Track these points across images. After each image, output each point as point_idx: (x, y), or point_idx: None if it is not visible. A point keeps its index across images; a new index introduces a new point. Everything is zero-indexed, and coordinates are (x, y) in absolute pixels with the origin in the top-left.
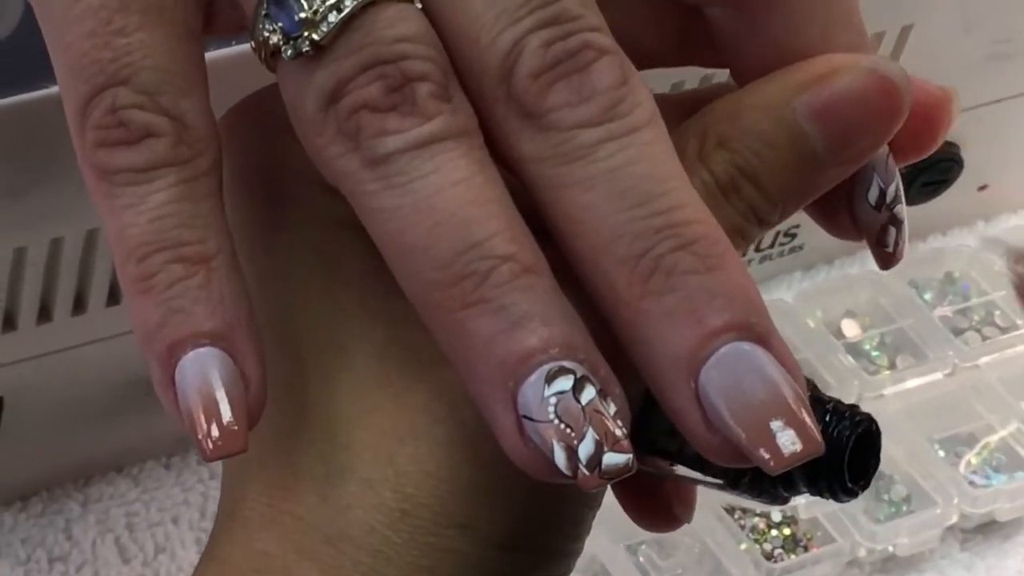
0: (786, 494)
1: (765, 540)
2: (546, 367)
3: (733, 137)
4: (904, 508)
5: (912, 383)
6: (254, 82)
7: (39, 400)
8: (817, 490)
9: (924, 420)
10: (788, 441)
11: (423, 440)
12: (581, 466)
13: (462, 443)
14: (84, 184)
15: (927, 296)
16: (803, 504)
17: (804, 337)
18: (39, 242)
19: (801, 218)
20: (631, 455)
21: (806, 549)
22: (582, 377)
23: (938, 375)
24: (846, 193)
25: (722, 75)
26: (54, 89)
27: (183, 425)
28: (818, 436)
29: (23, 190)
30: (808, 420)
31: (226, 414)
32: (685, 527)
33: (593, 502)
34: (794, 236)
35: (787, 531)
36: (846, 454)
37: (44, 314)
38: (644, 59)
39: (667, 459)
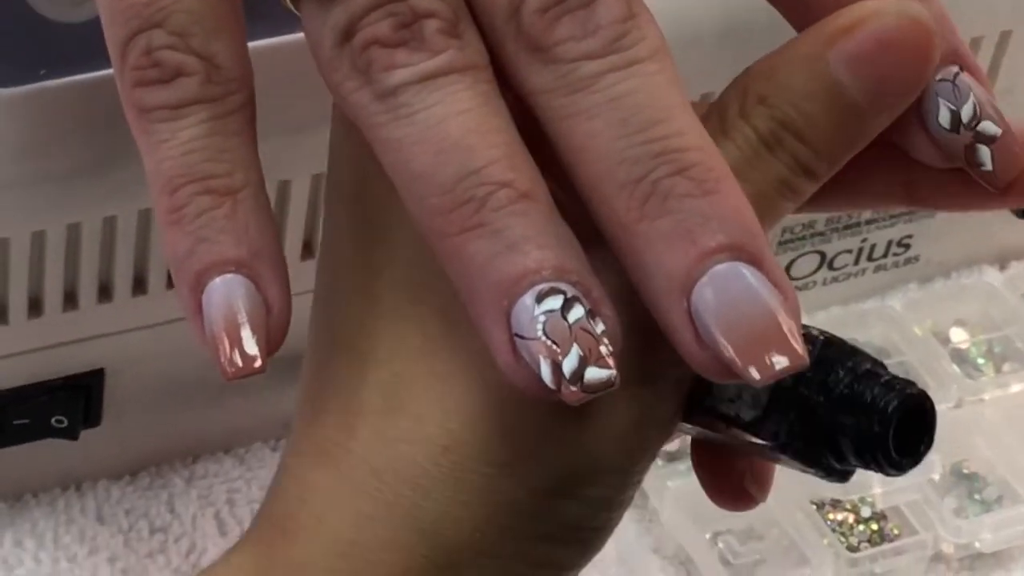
0: (836, 464)
1: (852, 534)
2: (538, 287)
3: (771, 93)
4: (996, 508)
5: (1015, 388)
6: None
7: (141, 374)
8: (863, 461)
9: (1023, 424)
10: (774, 356)
11: (471, 383)
12: (564, 380)
13: (508, 389)
14: None
15: None
16: (881, 494)
17: (909, 343)
18: (129, 212)
19: (915, 228)
20: (614, 371)
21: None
22: (572, 297)
23: None
24: (919, 119)
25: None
26: None
27: (206, 348)
28: (803, 352)
29: (112, 162)
30: (794, 337)
31: (247, 337)
32: (771, 519)
33: (638, 458)
34: (908, 247)
35: (874, 526)
36: (891, 425)
37: (139, 286)
38: None
39: (725, 423)
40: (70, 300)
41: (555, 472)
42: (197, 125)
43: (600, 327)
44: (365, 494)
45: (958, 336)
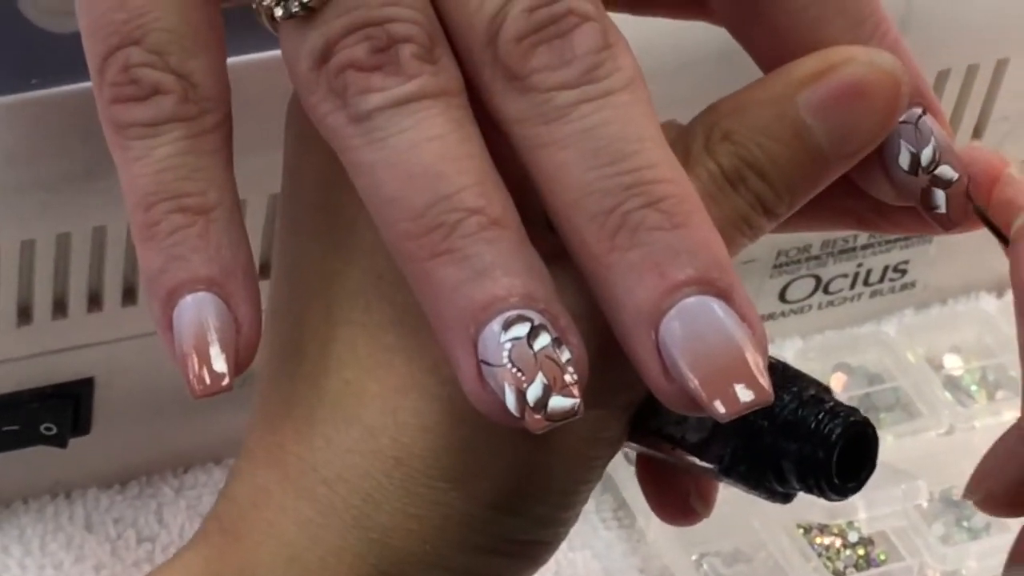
0: (779, 487)
1: (838, 559)
2: (505, 314)
3: (738, 131)
4: (984, 536)
5: (1007, 416)
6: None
7: (130, 383)
8: (806, 485)
9: None
10: (740, 390)
11: (425, 397)
12: (528, 408)
13: (462, 404)
14: None
15: None
16: (868, 519)
17: (902, 368)
18: (119, 221)
19: (911, 254)
20: (578, 400)
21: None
22: (539, 325)
23: None
24: (880, 162)
25: None
26: None
27: (176, 364)
28: (768, 387)
29: (102, 171)
30: (760, 372)
31: (215, 355)
32: (757, 542)
33: (586, 476)
34: (904, 272)
35: (861, 551)
36: (834, 451)
37: (129, 296)
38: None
39: (671, 444)
40: (60, 309)
41: (505, 488)
42: (172, 143)
43: (566, 355)
44: (315, 502)
45: (952, 363)
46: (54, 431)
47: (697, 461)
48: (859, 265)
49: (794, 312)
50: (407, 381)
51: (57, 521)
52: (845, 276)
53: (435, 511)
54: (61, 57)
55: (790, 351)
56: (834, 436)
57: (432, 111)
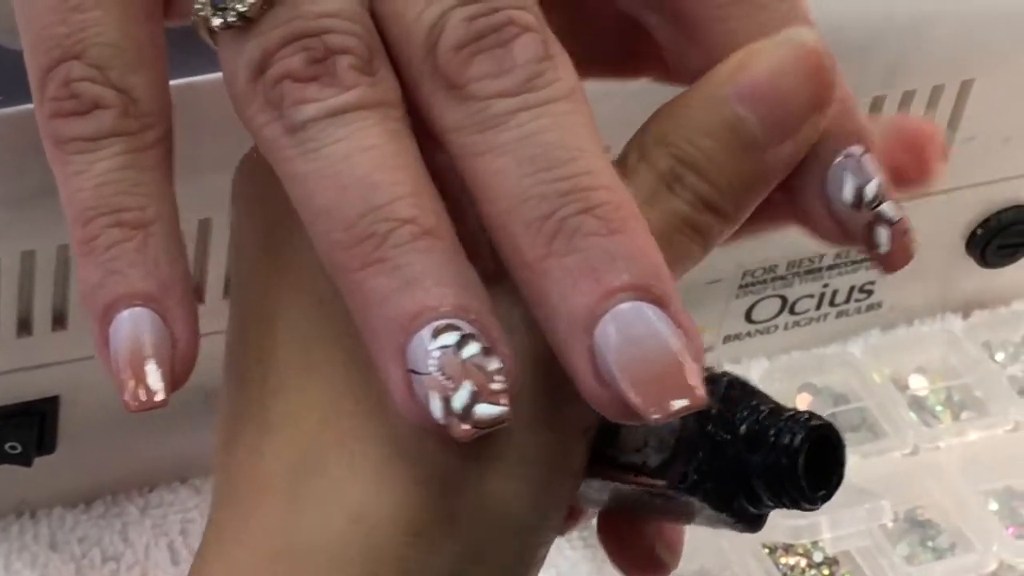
0: (750, 507)
1: None
2: (434, 324)
3: (669, 132)
4: (948, 556)
5: (972, 436)
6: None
7: (96, 402)
8: (776, 497)
9: (978, 473)
10: (673, 395)
11: (387, 450)
12: (454, 415)
13: (423, 456)
14: None
15: (999, 357)
16: (832, 539)
17: (868, 389)
18: None
19: (877, 275)
20: (505, 408)
21: None
22: (468, 334)
23: (998, 431)
24: (822, 194)
25: None
26: None
27: (112, 379)
28: (703, 393)
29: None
30: (694, 377)
31: (151, 371)
32: (723, 563)
33: (550, 511)
34: (870, 293)
35: (826, 571)
36: (799, 457)
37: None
38: (598, 70)
39: (633, 472)
40: (24, 327)
41: (470, 537)
42: (112, 158)
43: (495, 364)
44: (277, 556)
45: (917, 383)
46: (19, 450)
47: (661, 485)
48: (825, 285)
49: (760, 332)
50: (365, 432)
51: (22, 540)
52: (811, 296)
53: (398, 565)
54: (22, 75)
55: (756, 371)
56: (797, 441)
57: (367, 122)
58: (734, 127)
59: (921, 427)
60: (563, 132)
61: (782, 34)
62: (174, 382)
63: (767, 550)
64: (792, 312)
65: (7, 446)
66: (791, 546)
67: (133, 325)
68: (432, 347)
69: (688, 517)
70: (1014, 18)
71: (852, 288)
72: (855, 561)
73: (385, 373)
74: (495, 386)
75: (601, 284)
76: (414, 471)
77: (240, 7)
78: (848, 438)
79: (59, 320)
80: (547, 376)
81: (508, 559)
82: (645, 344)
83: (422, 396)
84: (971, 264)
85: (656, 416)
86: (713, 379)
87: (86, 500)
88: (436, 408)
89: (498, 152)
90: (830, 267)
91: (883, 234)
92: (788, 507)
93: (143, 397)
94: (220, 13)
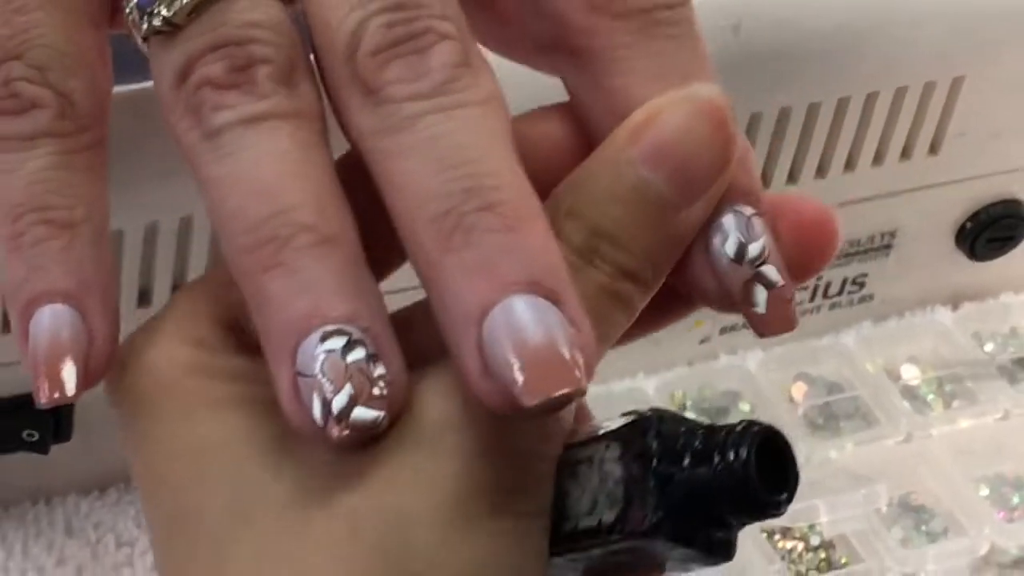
0: (716, 532)
1: (800, 562)
2: (323, 328)
3: (579, 204)
4: (942, 540)
5: (963, 424)
6: None
7: None
8: (743, 513)
9: (969, 460)
10: (554, 382)
11: (328, 564)
12: (331, 417)
13: (367, 557)
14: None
15: (988, 347)
16: (828, 522)
17: (861, 379)
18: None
19: (870, 267)
20: (382, 413)
21: None
22: (356, 340)
23: (989, 419)
24: (705, 246)
25: None
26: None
27: (29, 373)
28: (584, 382)
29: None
30: (577, 366)
31: (65, 367)
32: None
33: None
34: (863, 285)
35: (823, 554)
36: (750, 461)
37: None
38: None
39: (592, 537)
40: None
41: None
42: (44, 157)
43: (380, 370)
44: None
45: (909, 373)
46: (36, 437)
47: (622, 540)
48: (819, 278)
49: None
50: (305, 558)
51: (38, 526)
52: (805, 288)
53: None
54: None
55: (752, 362)
56: (744, 449)
57: (280, 131)
58: (642, 190)
59: (914, 415)
60: (471, 133)
61: (682, 92)
62: (87, 378)
63: (765, 534)
64: None
65: (24, 434)
66: (788, 530)
67: (52, 320)
68: (319, 350)
69: (660, 566)
70: (1005, 16)
71: (845, 280)
72: (851, 545)
73: (275, 375)
74: (376, 391)
75: (493, 278)
76: (376, 571)
77: (166, 12)
78: (842, 426)
79: None
80: (499, 468)
81: None
82: (531, 333)
83: (306, 398)
84: (961, 257)
85: (534, 401)
86: (644, 418)
87: (100, 487)
88: (316, 410)
89: (407, 154)
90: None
91: (761, 294)
92: (754, 518)
93: (54, 392)
94: (147, 18)
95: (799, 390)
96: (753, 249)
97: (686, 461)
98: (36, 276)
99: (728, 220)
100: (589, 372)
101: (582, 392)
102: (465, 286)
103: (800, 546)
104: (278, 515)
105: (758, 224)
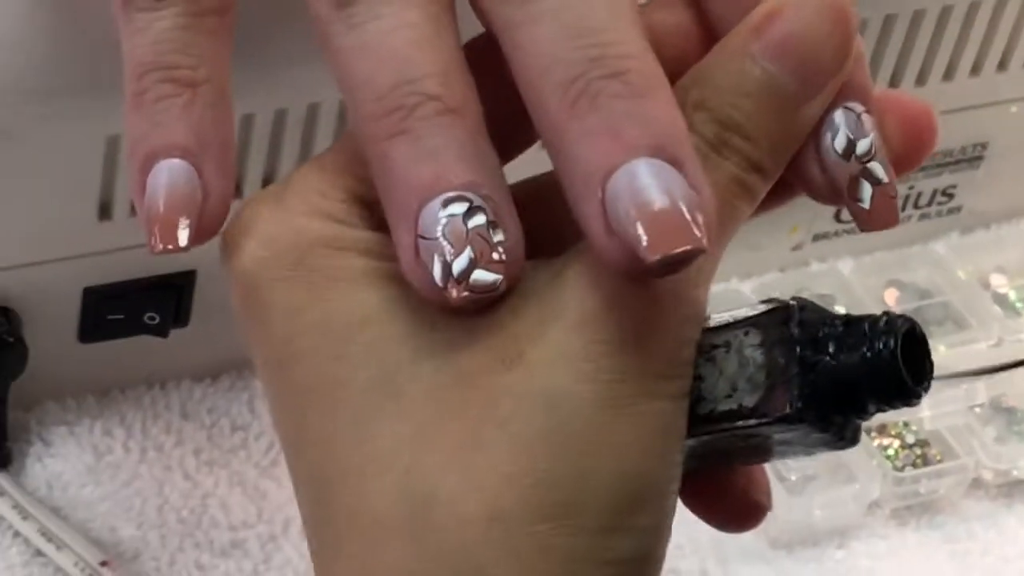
0: (855, 417)
1: (897, 458)
2: (446, 194)
3: (707, 97)
4: None
5: None
6: None
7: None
8: (886, 400)
9: None
10: (678, 241)
11: (493, 444)
12: (452, 279)
13: (531, 437)
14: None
15: None
16: (926, 417)
17: (952, 285)
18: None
19: (959, 179)
20: (501, 276)
21: None
22: (477, 206)
23: None
24: (815, 139)
25: None
26: None
27: (143, 226)
28: (705, 241)
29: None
30: (697, 226)
31: (179, 219)
32: None
33: (669, 475)
34: (951, 196)
35: (919, 451)
36: (897, 349)
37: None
38: None
39: (731, 419)
40: None
41: (604, 509)
42: (172, 19)
43: (499, 236)
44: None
45: (998, 281)
46: (156, 321)
47: (764, 422)
48: (910, 188)
49: (848, 232)
50: (465, 438)
51: (155, 408)
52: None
53: (542, 556)
54: None
55: (845, 268)
56: (892, 339)
57: (410, 3)
58: (768, 84)
59: (1005, 320)
60: (601, 6)
61: None
62: (200, 233)
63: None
64: None
65: (146, 316)
66: (884, 428)
67: (169, 175)
68: (441, 215)
69: (783, 451)
70: None
71: (935, 191)
72: (946, 442)
73: (397, 238)
74: (495, 256)
75: (618, 142)
76: (533, 463)
77: None
78: (934, 331)
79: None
80: (650, 352)
81: (646, 524)
82: (653, 194)
83: (427, 260)
84: None
85: (656, 259)
86: (785, 305)
87: (212, 375)
88: (437, 271)
89: (536, 20)
90: (918, 169)
91: (867, 190)
92: (896, 406)
93: (167, 243)
94: None
95: (891, 296)
96: (862, 146)
97: (831, 349)
98: (156, 132)
99: (839, 116)
100: (710, 233)
101: (702, 251)
102: (590, 149)
103: (896, 444)
104: (429, 394)
105: (868, 122)
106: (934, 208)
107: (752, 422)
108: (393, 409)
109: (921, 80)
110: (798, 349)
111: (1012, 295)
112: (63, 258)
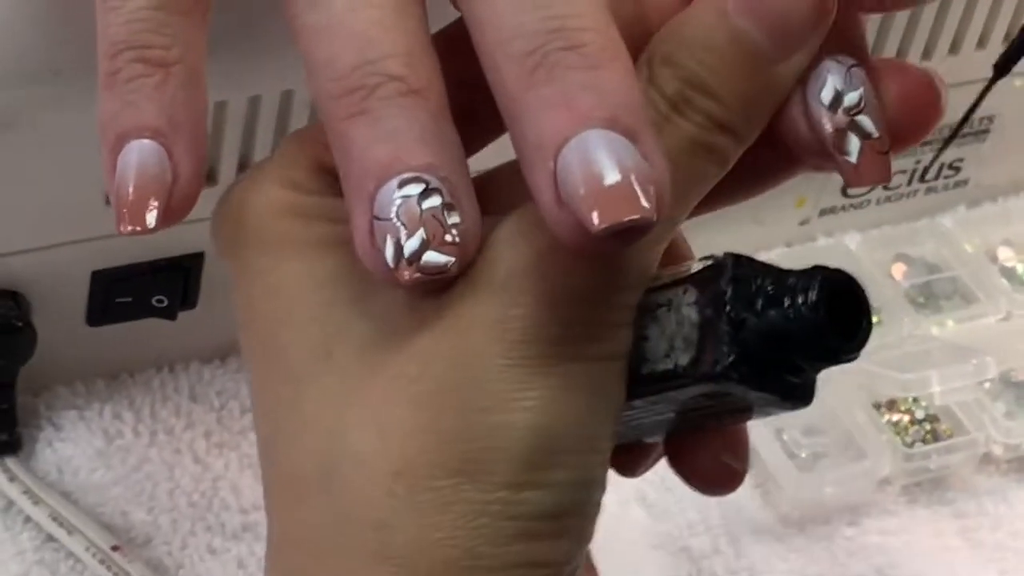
0: (792, 378)
1: (907, 434)
2: (403, 175)
3: (674, 52)
4: None
5: None
6: None
7: None
8: (815, 356)
9: None
10: (625, 211)
11: (401, 403)
12: (403, 260)
13: (438, 394)
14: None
15: None
16: (936, 393)
17: (960, 259)
18: (238, 99)
19: (966, 152)
20: (453, 258)
21: None
22: (433, 188)
23: None
24: (801, 91)
25: None
26: None
27: (112, 206)
28: (653, 212)
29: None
30: (647, 196)
31: (149, 200)
32: (832, 417)
33: (599, 445)
34: (958, 169)
35: (928, 427)
36: (821, 304)
37: (243, 170)
38: None
39: (669, 379)
40: None
41: (513, 465)
42: None
43: (454, 219)
44: (332, 556)
45: (1005, 255)
46: (165, 303)
47: (699, 382)
48: (917, 162)
49: (854, 207)
50: (377, 395)
51: (164, 391)
52: (903, 172)
53: (451, 511)
54: None
55: (851, 243)
56: (815, 289)
57: None
58: (739, 41)
59: (1014, 294)
60: None
61: None
62: (168, 215)
63: (873, 407)
64: (884, 187)
65: (155, 299)
66: (894, 403)
67: (140, 156)
68: (396, 196)
69: (742, 412)
70: None
71: (942, 165)
72: (956, 417)
73: (353, 219)
74: (448, 237)
75: (572, 112)
76: (439, 419)
77: None
78: (943, 305)
79: (210, 176)
80: (569, 314)
81: (563, 479)
82: (604, 165)
83: (380, 240)
84: None
85: (603, 228)
86: (718, 263)
87: (221, 356)
88: (389, 252)
89: None
90: (922, 143)
91: (854, 143)
92: (826, 363)
93: (135, 224)
94: None
95: (899, 270)
96: (850, 98)
97: (759, 305)
98: (128, 111)
99: (826, 66)
100: (660, 206)
101: (651, 224)
102: (543, 118)
103: (905, 419)
104: (356, 355)
105: (858, 75)
106: (941, 182)
107: (686, 381)
108: (323, 370)
109: (927, 54)
110: (727, 306)
111: (1020, 268)
112: (71, 242)
